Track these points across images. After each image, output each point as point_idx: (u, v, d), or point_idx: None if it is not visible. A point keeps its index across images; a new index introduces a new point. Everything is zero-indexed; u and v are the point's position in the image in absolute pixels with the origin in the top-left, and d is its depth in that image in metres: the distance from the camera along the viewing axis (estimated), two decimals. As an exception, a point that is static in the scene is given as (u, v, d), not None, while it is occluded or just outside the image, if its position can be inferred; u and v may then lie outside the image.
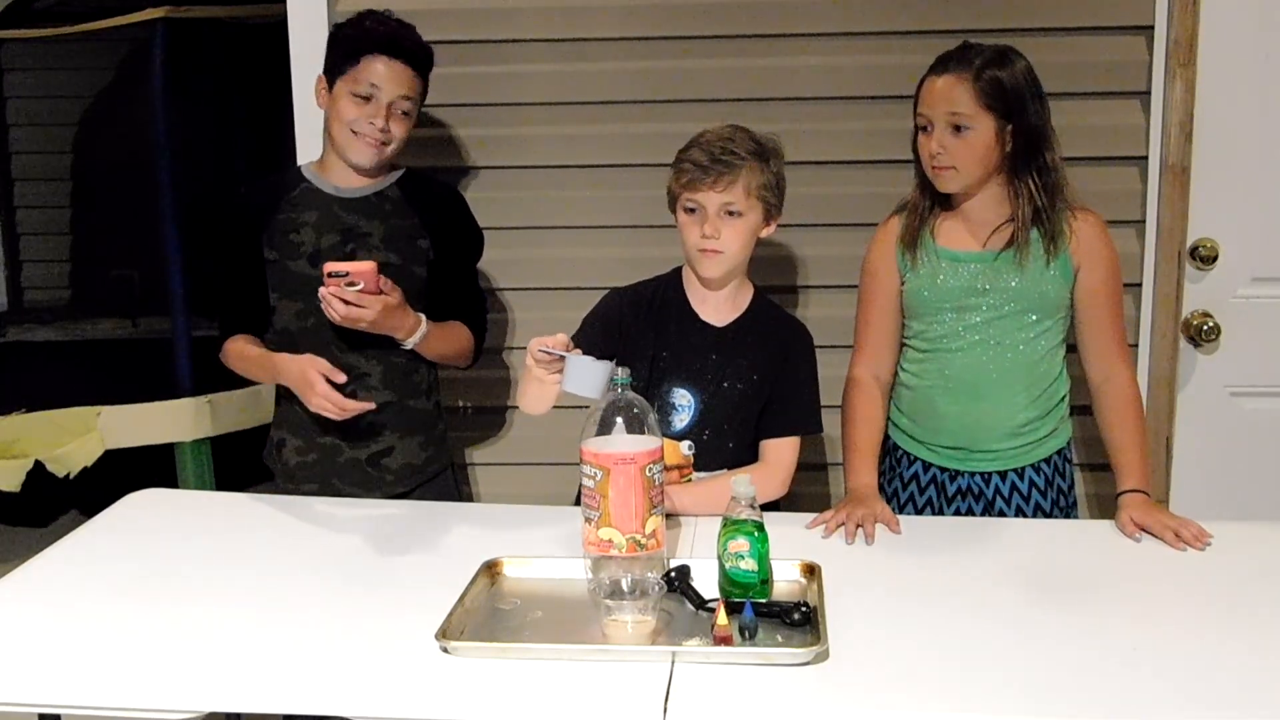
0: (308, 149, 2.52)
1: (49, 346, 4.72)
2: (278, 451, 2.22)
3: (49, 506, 4.13)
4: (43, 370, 4.41)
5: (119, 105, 4.76)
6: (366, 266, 1.98)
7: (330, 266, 1.98)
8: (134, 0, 3.82)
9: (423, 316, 2.10)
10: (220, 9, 4.06)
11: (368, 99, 2.07)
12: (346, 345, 2.11)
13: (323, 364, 2.03)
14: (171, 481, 3.80)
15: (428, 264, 2.18)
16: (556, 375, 1.76)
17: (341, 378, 2.02)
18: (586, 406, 1.70)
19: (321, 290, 1.99)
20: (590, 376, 1.70)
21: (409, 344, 2.10)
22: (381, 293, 1.99)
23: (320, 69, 2.14)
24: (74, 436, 3.70)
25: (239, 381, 3.96)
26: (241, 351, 2.18)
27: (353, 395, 2.11)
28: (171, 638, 1.53)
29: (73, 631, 1.55)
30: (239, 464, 4.07)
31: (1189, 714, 1.35)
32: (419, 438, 2.22)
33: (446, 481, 2.29)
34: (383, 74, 2.07)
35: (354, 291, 1.97)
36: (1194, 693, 1.38)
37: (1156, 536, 1.86)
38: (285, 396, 2.18)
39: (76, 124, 5.02)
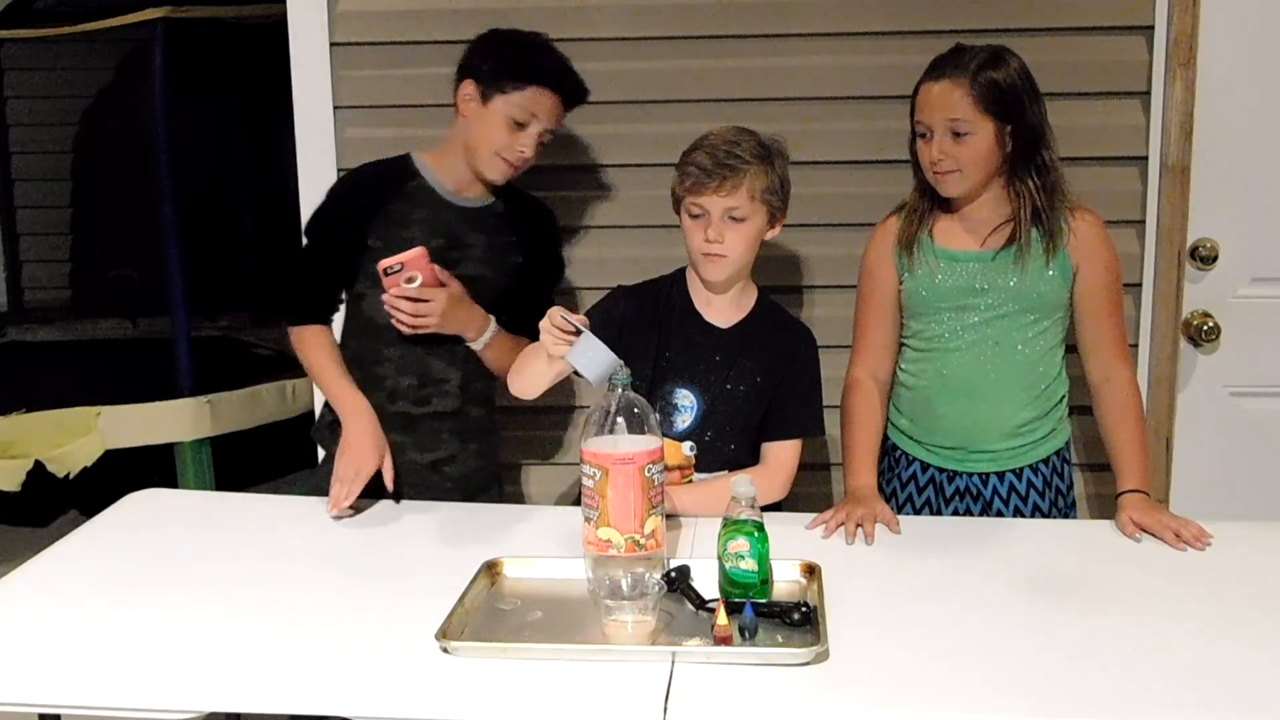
0: (308, 149, 2.52)
1: (49, 346, 4.73)
2: (330, 431, 2.16)
3: (49, 506, 4.13)
4: (43, 370, 4.41)
5: (119, 105, 4.77)
6: (415, 253, 1.98)
7: (383, 263, 1.97)
8: (134, 0, 3.82)
9: (491, 317, 2.10)
10: (220, 9, 4.06)
11: (522, 126, 2.05)
12: (430, 347, 2.10)
13: (382, 462, 2.01)
14: (171, 481, 3.80)
15: (515, 281, 2.18)
16: (563, 349, 1.75)
17: (391, 488, 2.01)
18: (586, 406, 1.70)
19: (385, 297, 1.99)
20: (598, 359, 1.69)
21: (479, 344, 2.09)
22: (440, 284, 1.99)
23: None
24: (74, 436, 3.70)
25: (239, 381, 4.00)
26: (318, 356, 2.11)
27: (427, 400, 2.11)
28: (171, 638, 1.53)
29: (73, 631, 1.55)
30: (239, 464, 4.08)
31: (1189, 714, 1.35)
32: (478, 448, 2.22)
33: (494, 492, 2.29)
34: (545, 107, 2.05)
35: (415, 288, 1.97)
36: (1194, 693, 1.38)
37: (1156, 536, 1.85)
38: (355, 381, 2.13)
39: (77, 124, 5.03)
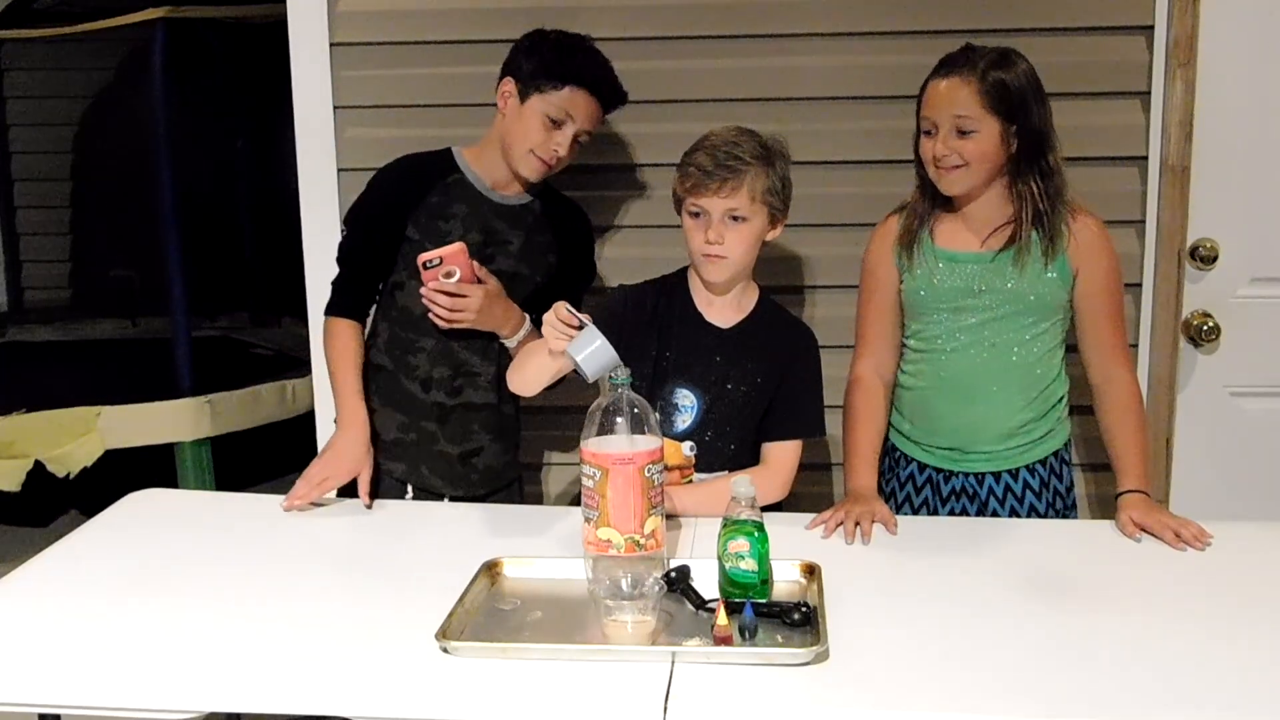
0: (308, 149, 2.52)
1: (49, 346, 4.73)
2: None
3: (49, 506, 4.13)
4: (43, 370, 4.41)
5: (119, 105, 4.77)
6: (455, 248, 1.99)
7: (423, 257, 1.99)
8: (134, 0, 3.82)
9: (526, 316, 2.11)
10: (220, 9, 4.06)
11: (558, 125, 2.06)
12: (464, 340, 2.12)
13: (358, 475, 2.03)
14: (171, 481, 3.80)
15: (549, 280, 2.19)
16: (563, 344, 1.74)
17: (368, 504, 2.03)
18: (586, 407, 1.70)
19: (423, 290, 2.01)
20: (597, 353, 1.69)
21: (513, 341, 2.10)
22: (479, 280, 2.00)
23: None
24: (74, 436, 3.70)
25: (239, 381, 4.01)
26: (341, 355, 2.12)
27: (459, 391, 2.13)
28: (171, 638, 1.53)
29: (73, 631, 1.55)
30: (239, 464, 4.08)
31: (1189, 714, 1.35)
32: (505, 442, 2.23)
33: (515, 491, 2.30)
34: (582, 108, 2.06)
35: (453, 283, 1.98)
36: (1194, 693, 1.38)
37: (1156, 536, 1.85)
38: (389, 369, 2.15)
39: (77, 124, 5.03)
